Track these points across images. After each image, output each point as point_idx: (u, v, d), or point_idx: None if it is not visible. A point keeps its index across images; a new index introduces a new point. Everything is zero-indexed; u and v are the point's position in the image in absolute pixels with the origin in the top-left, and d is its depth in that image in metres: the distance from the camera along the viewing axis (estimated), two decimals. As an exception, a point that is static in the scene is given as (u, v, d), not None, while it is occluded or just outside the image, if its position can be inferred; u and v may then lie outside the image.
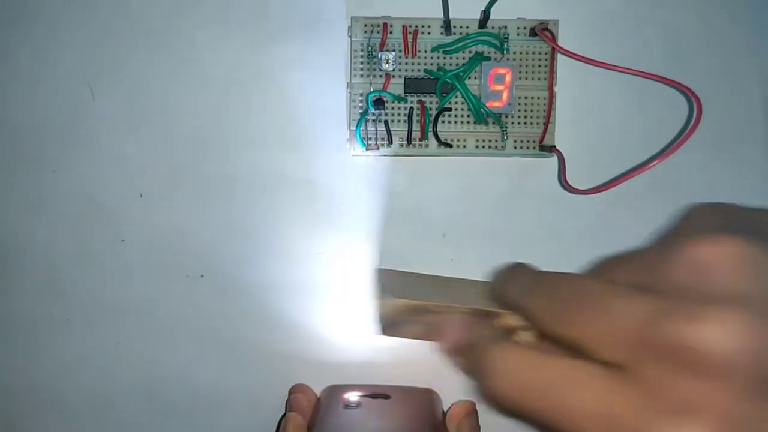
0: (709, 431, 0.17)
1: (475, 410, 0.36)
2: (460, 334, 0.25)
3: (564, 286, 0.22)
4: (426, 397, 0.36)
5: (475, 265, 0.36)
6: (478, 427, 0.35)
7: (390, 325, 0.27)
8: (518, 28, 0.36)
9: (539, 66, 0.36)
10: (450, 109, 0.36)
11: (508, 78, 0.36)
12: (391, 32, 0.35)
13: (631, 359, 0.19)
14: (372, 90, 0.36)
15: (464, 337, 0.25)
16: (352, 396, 0.35)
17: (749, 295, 0.18)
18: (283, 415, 0.35)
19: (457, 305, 0.27)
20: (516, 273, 0.25)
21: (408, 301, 0.27)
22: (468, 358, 0.24)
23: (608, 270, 0.23)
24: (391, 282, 0.30)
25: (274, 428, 0.37)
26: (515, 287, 0.25)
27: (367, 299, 0.27)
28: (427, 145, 0.36)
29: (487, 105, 0.36)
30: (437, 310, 0.27)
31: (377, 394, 0.35)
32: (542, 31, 0.35)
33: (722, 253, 0.19)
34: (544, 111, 0.36)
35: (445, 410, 0.36)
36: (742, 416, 0.17)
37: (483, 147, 0.36)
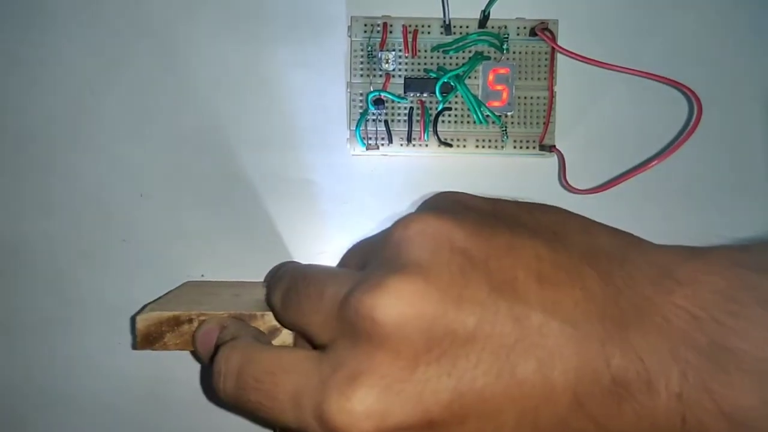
0: (372, 395, 0.18)
1: None
2: (207, 338, 0.26)
3: (295, 278, 0.23)
4: None
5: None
6: None
7: (146, 339, 0.28)
8: (518, 27, 0.36)
9: (539, 66, 0.36)
10: (450, 109, 0.36)
11: (508, 78, 0.36)
12: (391, 32, 0.35)
13: (331, 336, 0.20)
14: (372, 90, 0.36)
15: (210, 341, 0.25)
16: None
17: (430, 266, 0.19)
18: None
19: (218, 312, 0.27)
20: (276, 271, 0.26)
21: (162, 313, 0.28)
22: (206, 361, 0.25)
23: (348, 255, 0.24)
24: (178, 295, 0.31)
25: (274, 429, 0.37)
26: (270, 284, 0.26)
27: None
28: (427, 145, 0.36)
29: (486, 105, 0.36)
30: (200, 318, 0.27)
31: None
32: (542, 30, 0.35)
33: (413, 229, 0.20)
34: (544, 111, 0.36)
35: None
36: (402, 379, 0.18)
37: (483, 146, 0.36)
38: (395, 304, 0.18)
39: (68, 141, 0.37)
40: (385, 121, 0.36)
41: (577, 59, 0.34)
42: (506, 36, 0.36)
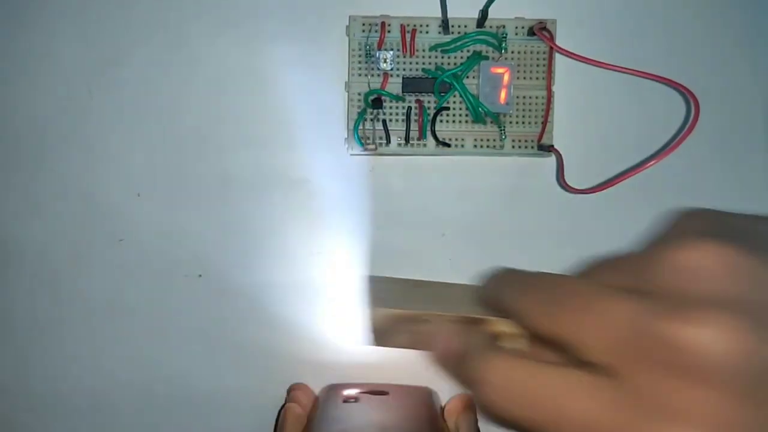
0: None
1: (473, 404, 0.36)
2: (450, 343, 0.25)
3: (554, 287, 0.22)
4: (424, 394, 0.36)
5: (474, 264, 0.36)
6: (476, 420, 0.35)
7: (381, 336, 0.27)
8: (516, 27, 0.36)
9: (537, 65, 0.36)
10: (448, 109, 0.36)
11: (506, 77, 0.36)
12: (389, 31, 0.35)
13: (620, 362, 0.19)
14: (370, 89, 0.36)
15: (454, 346, 0.25)
16: (351, 392, 0.35)
17: (736, 299, 0.18)
18: (282, 407, 0.35)
19: (448, 313, 0.27)
20: (506, 277, 0.25)
21: (398, 311, 0.27)
22: (459, 367, 0.24)
23: (596, 272, 0.23)
24: (381, 291, 0.30)
25: (273, 427, 0.37)
26: (506, 291, 0.25)
27: (360, 305, 0.27)
28: (425, 145, 0.36)
29: (485, 104, 0.36)
30: (428, 319, 0.27)
31: (376, 390, 0.35)
32: (540, 30, 0.35)
33: (709, 258, 0.19)
34: (543, 110, 0.36)
35: (443, 405, 0.36)
36: (731, 422, 0.17)
37: (481, 146, 0.36)
38: (714, 340, 0.17)
39: (65, 141, 0.36)
40: (383, 121, 0.36)
41: (575, 59, 0.34)
42: (504, 35, 0.36)
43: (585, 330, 0.20)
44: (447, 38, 0.36)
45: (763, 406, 0.17)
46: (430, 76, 0.36)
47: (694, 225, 0.22)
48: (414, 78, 0.36)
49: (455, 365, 0.24)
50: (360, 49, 0.36)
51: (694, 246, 0.19)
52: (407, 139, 0.36)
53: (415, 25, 0.35)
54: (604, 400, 0.19)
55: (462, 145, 0.36)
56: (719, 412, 0.17)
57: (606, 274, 0.23)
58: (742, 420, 0.17)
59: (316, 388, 0.37)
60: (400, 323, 0.27)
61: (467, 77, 0.36)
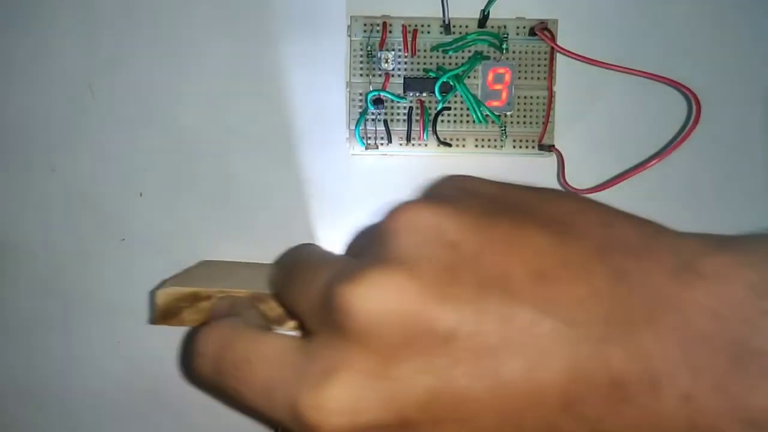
0: (345, 392, 0.17)
1: None
2: (215, 314, 0.25)
3: (294, 261, 0.22)
4: None
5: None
6: None
7: (164, 314, 0.27)
8: (517, 27, 0.36)
9: (538, 65, 0.36)
10: (449, 109, 0.36)
11: (507, 77, 0.36)
12: (390, 31, 0.35)
13: (313, 325, 0.19)
14: (371, 89, 0.36)
15: (218, 317, 0.25)
16: None
17: (411, 260, 0.18)
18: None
19: (240, 291, 0.27)
20: (282, 256, 0.26)
21: (181, 289, 0.27)
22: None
23: (352, 241, 0.24)
24: (199, 271, 0.31)
25: (273, 428, 0.37)
26: (276, 266, 0.25)
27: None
28: (426, 145, 0.36)
29: (486, 104, 0.36)
30: (218, 296, 0.27)
31: None
32: (541, 30, 0.35)
33: (404, 219, 0.19)
34: (544, 110, 0.36)
35: None
36: (376, 375, 0.17)
37: (482, 146, 0.36)
38: (372, 298, 0.17)
39: (66, 140, 0.37)
40: (385, 121, 0.36)
41: (576, 59, 0.34)
42: (506, 36, 0.36)
43: (300, 301, 0.21)
44: (448, 38, 0.36)
45: (406, 359, 0.17)
46: (431, 76, 0.36)
47: (433, 188, 0.23)
48: (415, 78, 0.36)
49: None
50: (361, 49, 0.36)
51: (404, 208, 0.20)
52: (408, 139, 0.36)
53: (416, 26, 0.36)
54: (284, 360, 0.19)
55: (463, 145, 0.36)
56: (364, 368, 0.17)
57: (355, 243, 0.23)
58: (384, 375, 0.17)
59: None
60: (187, 301, 0.27)
61: (468, 77, 0.36)
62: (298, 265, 0.22)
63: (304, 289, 0.20)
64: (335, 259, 0.21)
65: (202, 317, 0.27)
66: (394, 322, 0.17)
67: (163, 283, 0.28)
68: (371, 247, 0.20)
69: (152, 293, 0.27)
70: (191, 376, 0.22)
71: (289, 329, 0.26)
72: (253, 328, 0.21)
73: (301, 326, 0.22)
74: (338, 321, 0.18)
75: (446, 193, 0.22)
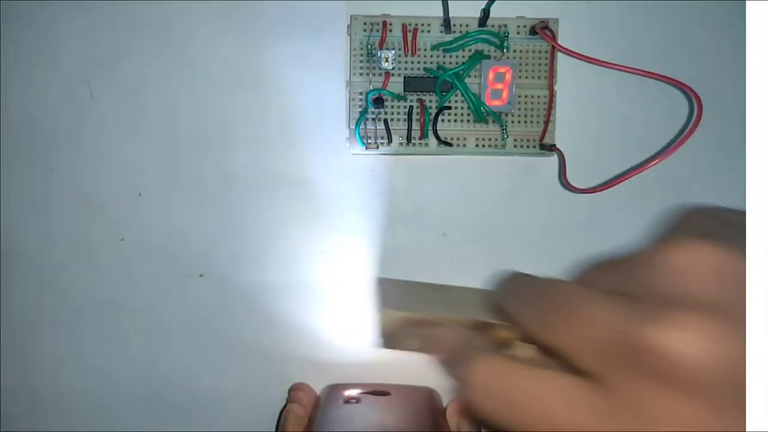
0: None
1: None
2: (453, 346, 0.25)
3: (546, 292, 0.22)
4: (426, 394, 0.36)
5: (475, 264, 0.36)
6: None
7: (390, 339, 0.27)
8: (518, 26, 0.36)
9: (539, 64, 0.36)
10: (450, 108, 0.36)
11: (508, 76, 0.35)
12: (390, 30, 0.35)
13: (604, 368, 0.19)
14: (371, 88, 0.36)
15: (456, 348, 0.25)
16: (353, 392, 0.35)
17: (719, 302, 0.18)
18: (284, 408, 0.35)
19: (457, 317, 0.27)
20: (509, 283, 0.25)
21: (408, 314, 0.27)
22: (454, 369, 0.24)
23: (592, 274, 0.23)
24: (390, 293, 0.30)
25: (274, 428, 0.37)
26: (507, 299, 0.24)
27: (366, 303, 0.27)
28: (426, 144, 0.36)
29: (487, 104, 0.36)
30: (436, 323, 0.27)
31: (377, 391, 0.35)
32: (542, 29, 0.35)
33: (698, 259, 0.18)
34: (544, 110, 0.36)
35: (445, 406, 0.36)
36: (706, 426, 0.17)
37: (483, 146, 0.36)
38: (691, 345, 0.17)
39: (66, 140, 0.36)
40: (385, 120, 0.36)
41: (577, 58, 0.34)
42: (506, 35, 0.35)
43: (573, 338, 0.20)
44: (448, 37, 0.35)
45: (737, 411, 0.17)
46: (431, 76, 0.35)
47: (692, 224, 0.22)
48: (415, 77, 0.36)
49: (453, 367, 0.24)
50: (361, 49, 0.36)
51: (684, 247, 0.19)
52: (409, 139, 0.36)
53: (416, 25, 0.35)
54: (583, 403, 0.19)
55: (464, 145, 0.36)
56: (692, 417, 0.17)
57: (600, 277, 0.23)
58: (716, 425, 0.17)
59: (318, 388, 0.37)
60: (408, 326, 0.27)
61: (469, 76, 0.36)
62: (562, 300, 0.21)
63: (582, 327, 0.20)
64: (610, 299, 0.21)
65: (424, 343, 0.26)
66: (723, 370, 0.17)
67: (385, 305, 0.27)
68: (649, 285, 0.19)
69: (377, 315, 0.27)
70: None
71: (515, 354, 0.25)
72: (523, 363, 0.21)
73: (560, 358, 0.22)
74: (652, 367, 0.17)
75: (708, 228, 0.22)
